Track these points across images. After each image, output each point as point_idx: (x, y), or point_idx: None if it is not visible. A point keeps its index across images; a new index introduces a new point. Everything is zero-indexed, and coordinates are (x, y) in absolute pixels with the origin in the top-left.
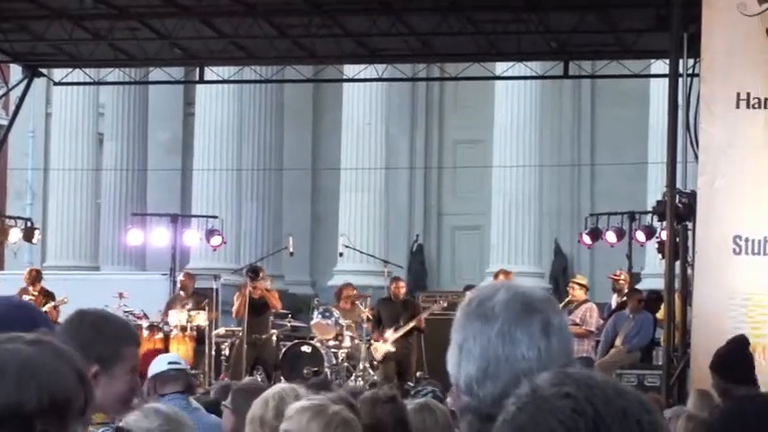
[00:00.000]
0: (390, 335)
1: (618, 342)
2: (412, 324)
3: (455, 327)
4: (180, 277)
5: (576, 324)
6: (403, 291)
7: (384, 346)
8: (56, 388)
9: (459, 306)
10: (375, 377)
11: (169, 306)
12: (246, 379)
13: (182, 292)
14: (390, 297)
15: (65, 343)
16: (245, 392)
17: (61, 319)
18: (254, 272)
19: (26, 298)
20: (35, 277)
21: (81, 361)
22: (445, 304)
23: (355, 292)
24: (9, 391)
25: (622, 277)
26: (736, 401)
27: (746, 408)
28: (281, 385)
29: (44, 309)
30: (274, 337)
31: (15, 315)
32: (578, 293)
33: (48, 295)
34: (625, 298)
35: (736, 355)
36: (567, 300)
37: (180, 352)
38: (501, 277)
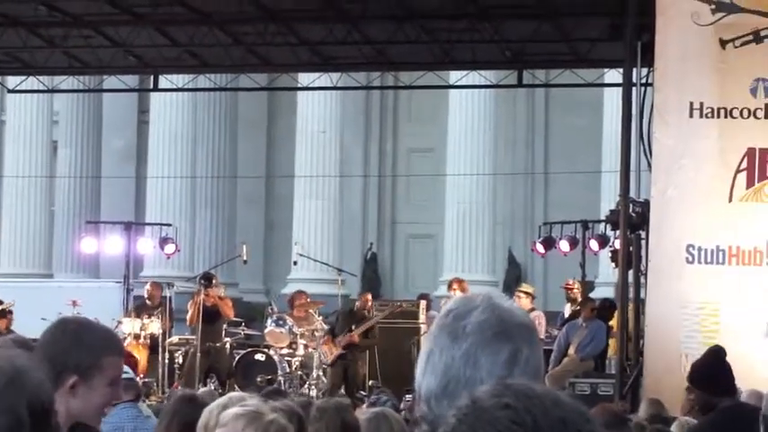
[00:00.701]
0: (341, 337)
1: (571, 351)
2: (368, 324)
3: (429, 333)
4: (147, 287)
5: None
6: (370, 306)
7: (332, 348)
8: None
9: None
10: (329, 385)
11: (137, 314)
12: (202, 389)
13: (148, 302)
14: (353, 309)
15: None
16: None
17: (14, 327)
18: (207, 279)
19: None
20: None
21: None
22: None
23: (307, 300)
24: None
25: (575, 287)
26: (724, 411)
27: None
28: (232, 394)
29: None
30: (228, 346)
31: None
32: (524, 302)
33: None
34: (578, 307)
35: (715, 367)
36: None
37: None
38: (455, 286)
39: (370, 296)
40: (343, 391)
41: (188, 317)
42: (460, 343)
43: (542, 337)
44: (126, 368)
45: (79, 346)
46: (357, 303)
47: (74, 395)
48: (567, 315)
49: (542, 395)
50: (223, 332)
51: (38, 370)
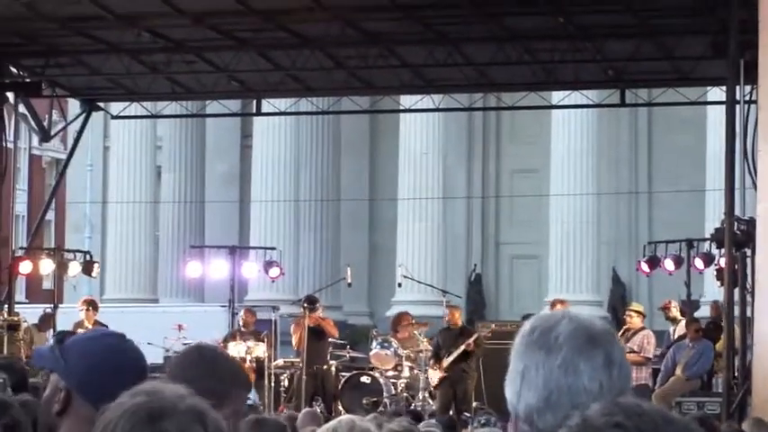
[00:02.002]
0: (445, 361)
1: (678, 371)
2: (462, 348)
3: (515, 355)
4: (242, 314)
5: (634, 351)
6: (458, 318)
7: (436, 372)
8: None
9: (518, 334)
10: (435, 407)
11: (227, 340)
12: (305, 410)
13: (243, 328)
14: (449, 326)
15: (177, 374)
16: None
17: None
18: (310, 302)
19: (81, 332)
20: (91, 306)
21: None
22: (490, 331)
23: (412, 321)
24: None
25: (672, 305)
26: None
27: None
28: (341, 417)
29: None
30: (334, 368)
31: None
32: (635, 321)
33: (103, 327)
34: (684, 327)
35: None
36: (624, 327)
37: None
38: (558, 306)
39: (456, 309)
40: (452, 412)
41: (295, 341)
42: (556, 354)
43: (651, 356)
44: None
45: (213, 374)
46: (446, 318)
47: None
48: (673, 336)
49: (652, 413)
50: (328, 354)
51: (214, 412)
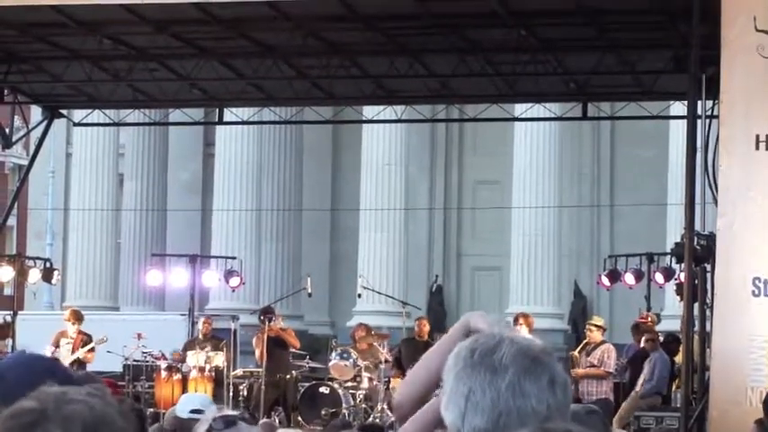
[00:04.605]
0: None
1: (638, 387)
2: None
3: (455, 377)
4: (203, 320)
5: (594, 366)
6: (426, 330)
7: (399, 382)
8: None
9: (454, 355)
10: (393, 418)
11: (186, 348)
12: (262, 421)
13: (200, 336)
14: (414, 337)
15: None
16: None
17: (98, 362)
18: (266, 313)
19: (64, 341)
20: (75, 318)
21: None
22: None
23: (366, 332)
24: None
25: (650, 319)
26: None
27: None
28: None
29: (81, 352)
30: (294, 378)
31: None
32: (596, 335)
33: (86, 337)
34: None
35: None
36: (584, 342)
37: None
38: (521, 321)
39: (426, 321)
40: None
41: (257, 355)
42: (502, 375)
43: (611, 370)
44: (203, 404)
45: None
46: (415, 330)
47: None
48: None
49: None
50: (289, 363)
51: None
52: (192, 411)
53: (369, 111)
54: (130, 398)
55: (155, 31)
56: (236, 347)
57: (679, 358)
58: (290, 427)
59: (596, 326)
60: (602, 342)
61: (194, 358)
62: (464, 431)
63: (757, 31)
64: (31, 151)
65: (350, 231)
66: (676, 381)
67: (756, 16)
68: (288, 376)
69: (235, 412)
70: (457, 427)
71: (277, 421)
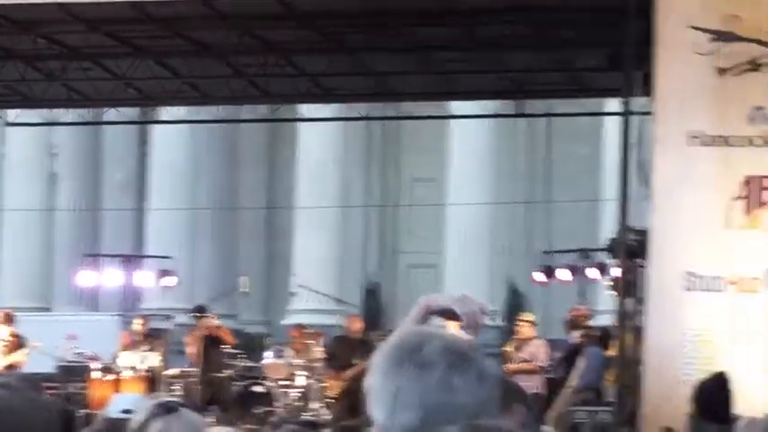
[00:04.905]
0: (345, 372)
1: (572, 383)
2: (365, 364)
3: (381, 374)
4: (139, 320)
5: (526, 361)
6: (358, 328)
7: (335, 381)
8: None
9: (379, 352)
10: (327, 416)
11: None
12: None
13: (135, 337)
14: (346, 335)
15: None
16: None
17: (30, 363)
18: (200, 311)
19: None
20: (7, 320)
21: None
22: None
23: (301, 332)
24: None
25: (581, 312)
26: None
27: None
28: (220, 428)
29: (14, 356)
30: (228, 377)
31: None
32: (526, 330)
33: (19, 340)
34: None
35: (714, 392)
36: (515, 337)
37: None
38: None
39: (357, 318)
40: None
41: (191, 353)
42: (431, 371)
43: (543, 365)
44: (136, 403)
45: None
46: (347, 328)
47: None
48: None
49: None
50: (223, 362)
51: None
52: (124, 411)
53: (305, 109)
54: (62, 399)
55: (89, 30)
56: (169, 347)
57: (612, 353)
58: (226, 425)
59: (527, 321)
60: (534, 337)
61: (128, 359)
62: (393, 429)
63: (691, 28)
64: None
65: (286, 230)
66: (610, 375)
67: (690, 14)
68: (222, 375)
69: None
70: (386, 426)
71: (209, 420)
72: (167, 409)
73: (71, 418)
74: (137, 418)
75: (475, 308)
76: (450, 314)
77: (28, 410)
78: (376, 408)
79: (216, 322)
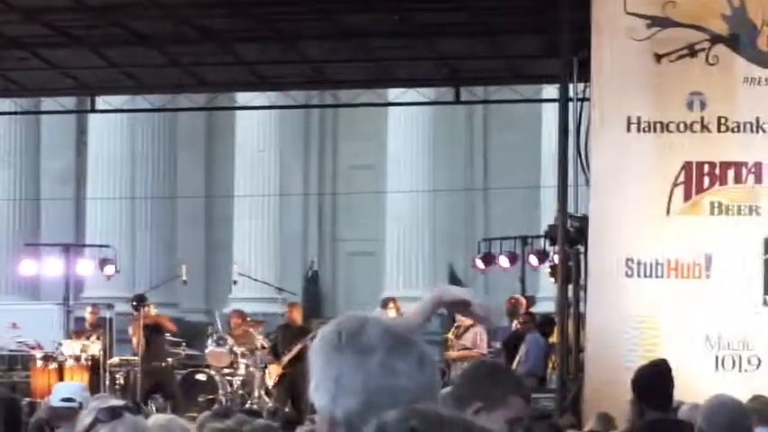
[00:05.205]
0: (283, 359)
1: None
2: (298, 348)
3: (322, 360)
4: (89, 309)
5: (468, 348)
6: (297, 316)
7: (275, 369)
8: None
9: (318, 339)
10: (270, 404)
11: (77, 337)
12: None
13: (87, 325)
14: (287, 323)
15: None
16: None
17: None
18: (139, 300)
19: None
20: None
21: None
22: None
23: (242, 319)
24: None
25: (513, 301)
26: (647, 424)
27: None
28: (160, 416)
29: None
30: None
31: None
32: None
33: None
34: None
35: (654, 379)
36: (455, 324)
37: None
38: (391, 305)
39: (296, 307)
40: (288, 409)
41: (134, 343)
42: (371, 356)
43: (484, 351)
44: (75, 392)
45: (491, 380)
46: (288, 316)
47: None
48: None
49: (451, 420)
50: (165, 351)
51: None
52: (63, 400)
53: (242, 98)
54: (6, 387)
55: (24, 20)
56: (112, 335)
57: (554, 339)
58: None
59: None
60: (473, 324)
61: (70, 347)
62: (336, 414)
63: (627, 13)
64: None
65: (225, 219)
66: (552, 362)
67: (626, 0)
68: (164, 364)
69: (120, 402)
70: (329, 411)
71: (154, 409)
72: (112, 414)
73: (17, 405)
74: (82, 422)
75: (489, 303)
76: (464, 306)
77: None
78: (317, 394)
79: (154, 311)
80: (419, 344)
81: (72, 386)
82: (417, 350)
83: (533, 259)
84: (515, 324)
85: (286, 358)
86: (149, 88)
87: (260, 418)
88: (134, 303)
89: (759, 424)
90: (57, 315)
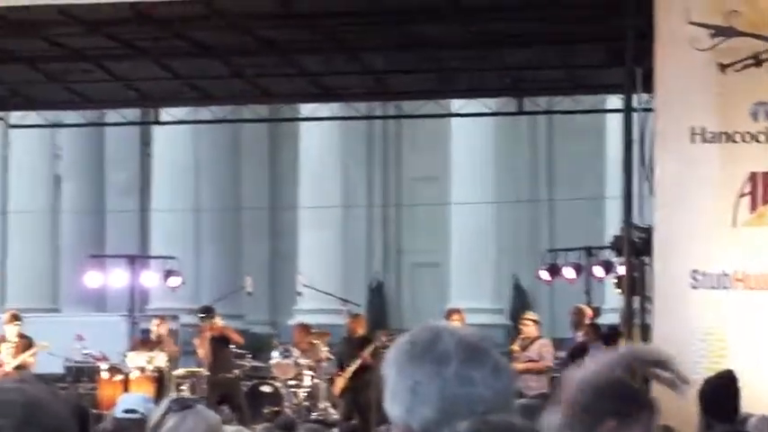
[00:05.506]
0: (347, 371)
1: None
2: (358, 362)
3: (397, 370)
4: (156, 321)
5: (533, 360)
6: (358, 328)
7: (340, 381)
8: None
9: (394, 349)
10: (336, 416)
11: (134, 349)
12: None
13: (154, 338)
14: (349, 335)
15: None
16: None
17: (39, 364)
18: (206, 312)
19: (5, 346)
20: (13, 320)
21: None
22: (388, 340)
23: (306, 331)
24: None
25: (574, 312)
26: None
27: None
28: (228, 427)
29: (23, 357)
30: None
31: None
32: (531, 329)
33: (27, 340)
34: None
35: (719, 391)
36: (521, 336)
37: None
38: (455, 316)
39: (358, 319)
40: (356, 421)
41: (201, 354)
42: (446, 365)
43: (550, 363)
44: (138, 403)
45: (619, 395)
46: (349, 327)
47: None
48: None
49: (521, 429)
50: (233, 362)
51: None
52: (126, 411)
53: (305, 109)
54: (75, 398)
55: (89, 32)
56: (178, 347)
57: None
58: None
59: (532, 320)
60: (539, 337)
61: (136, 359)
62: (413, 424)
63: (690, 23)
64: None
65: (289, 230)
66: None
67: (689, 9)
68: (231, 375)
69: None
70: (405, 421)
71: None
72: (183, 405)
73: (87, 414)
74: (155, 415)
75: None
76: (662, 366)
77: (53, 402)
78: (393, 404)
79: (221, 323)
80: (494, 353)
81: (135, 397)
82: (492, 359)
83: (598, 270)
84: (580, 335)
85: (350, 370)
86: (213, 99)
87: (333, 428)
88: (201, 315)
89: None
90: (122, 326)
